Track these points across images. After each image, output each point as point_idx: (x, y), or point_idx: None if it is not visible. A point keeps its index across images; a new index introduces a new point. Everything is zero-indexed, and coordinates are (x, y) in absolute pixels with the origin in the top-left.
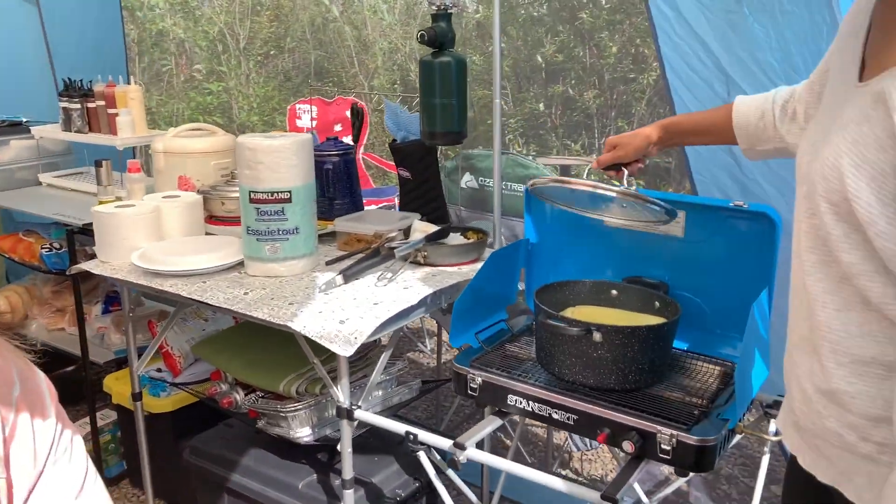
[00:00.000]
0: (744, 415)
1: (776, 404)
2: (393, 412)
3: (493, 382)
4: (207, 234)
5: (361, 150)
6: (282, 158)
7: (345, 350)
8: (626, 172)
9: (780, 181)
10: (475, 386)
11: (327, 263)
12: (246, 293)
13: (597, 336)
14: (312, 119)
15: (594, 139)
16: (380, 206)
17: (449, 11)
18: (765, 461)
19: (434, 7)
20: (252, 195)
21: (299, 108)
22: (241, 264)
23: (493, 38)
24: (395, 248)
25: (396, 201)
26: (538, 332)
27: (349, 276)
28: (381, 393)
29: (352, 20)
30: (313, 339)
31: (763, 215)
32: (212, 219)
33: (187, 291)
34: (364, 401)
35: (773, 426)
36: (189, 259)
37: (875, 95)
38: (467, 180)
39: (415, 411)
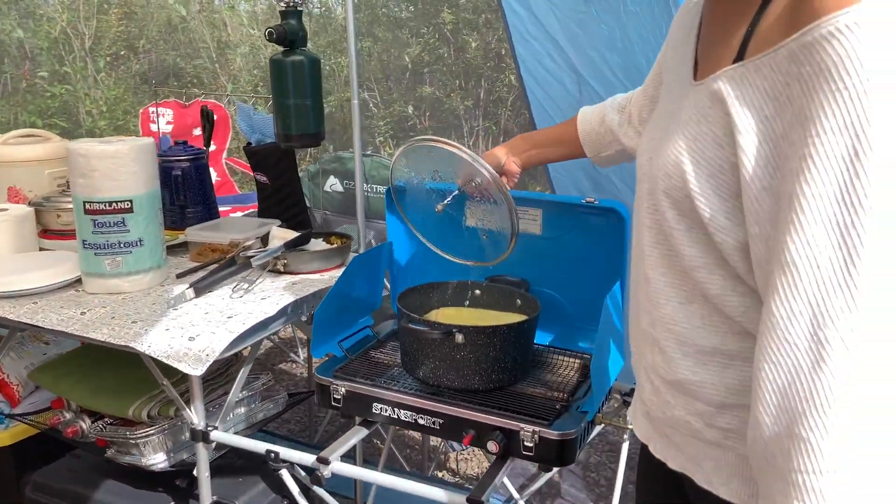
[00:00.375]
0: (602, 405)
1: (633, 392)
2: (260, 428)
3: (357, 392)
4: (42, 249)
5: (224, 154)
6: (120, 165)
7: (195, 369)
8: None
9: (631, 177)
10: (339, 396)
11: (178, 276)
12: (83, 313)
13: (459, 338)
14: (168, 123)
15: (463, 140)
16: (245, 213)
17: (299, 9)
18: (625, 448)
19: (282, 4)
20: (87, 206)
21: (154, 112)
22: (79, 281)
23: (347, 38)
24: (251, 256)
25: None
26: (401, 338)
27: (201, 288)
28: (243, 410)
29: (211, 20)
30: (159, 359)
31: (612, 210)
32: (46, 233)
33: (15, 314)
34: (222, 421)
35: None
36: (16, 278)
37: (711, 95)
38: (332, 184)
39: (288, 424)
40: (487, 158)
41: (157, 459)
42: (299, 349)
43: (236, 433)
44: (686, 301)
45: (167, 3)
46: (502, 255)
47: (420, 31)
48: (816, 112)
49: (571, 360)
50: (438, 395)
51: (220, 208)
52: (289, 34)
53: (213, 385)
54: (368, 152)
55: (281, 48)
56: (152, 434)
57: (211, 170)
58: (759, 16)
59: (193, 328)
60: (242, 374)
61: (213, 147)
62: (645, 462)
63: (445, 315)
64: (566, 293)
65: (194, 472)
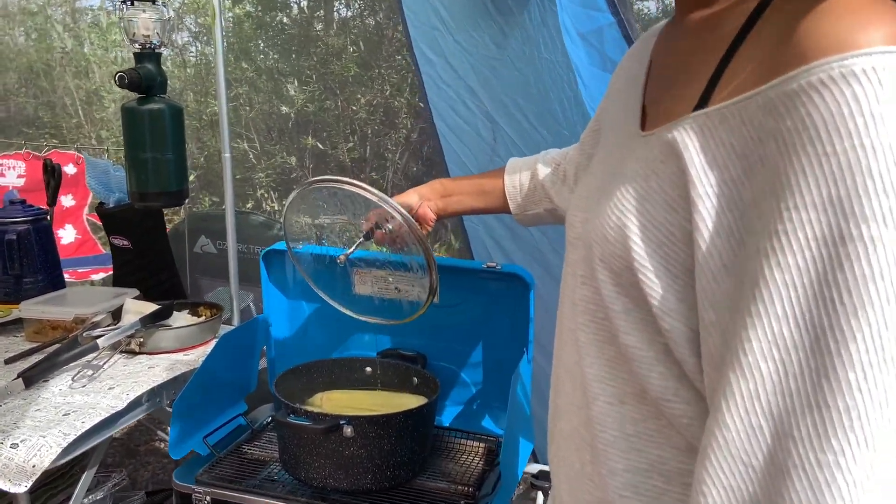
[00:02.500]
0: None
1: (542, 475)
2: None
3: (227, 500)
4: None
5: (86, 210)
6: None
7: (17, 485)
8: None
9: (550, 228)
10: None
11: (6, 362)
12: None
13: (348, 431)
14: (20, 176)
15: None
16: (108, 273)
17: (157, 51)
18: None
19: (137, 46)
20: None
21: (3, 164)
22: None
23: (217, 88)
24: (98, 336)
25: None
26: (279, 431)
27: (33, 378)
28: None
29: (77, 67)
30: None
31: (516, 277)
32: None
33: None
34: None
35: (539, 499)
36: None
37: (664, 147)
38: (203, 244)
39: None
40: (400, 198)
41: None
42: (167, 426)
43: None
44: (617, 400)
45: (28, 50)
46: (418, 311)
47: (306, 81)
48: (796, 179)
49: (474, 443)
50: (324, 498)
51: (80, 269)
52: (144, 79)
53: (51, 490)
54: (249, 206)
55: (136, 95)
56: None
57: (70, 227)
58: (730, 57)
59: (18, 431)
60: (86, 479)
61: (72, 202)
62: None
63: (332, 400)
64: (466, 368)
65: None
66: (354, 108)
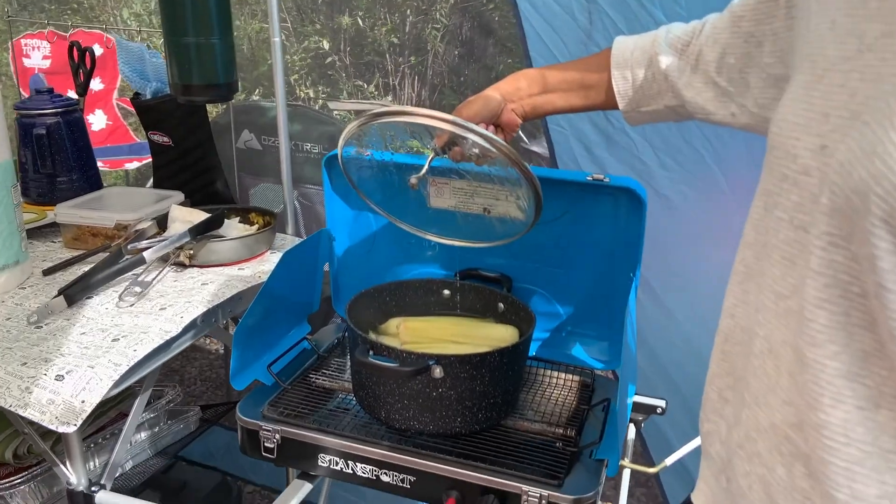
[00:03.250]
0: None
1: (635, 406)
2: (174, 455)
3: (297, 438)
4: None
5: (116, 93)
6: None
7: (66, 425)
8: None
9: (654, 132)
10: (272, 445)
11: (45, 273)
12: None
13: (437, 372)
14: (45, 58)
15: (388, 79)
16: (142, 163)
17: None
18: (625, 482)
19: None
20: None
21: (27, 44)
22: None
23: None
24: (144, 248)
25: None
26: (355, 367)
27: (75, 295)
28: (143, 436)
29: None
30: (12, 410)
31: (627, 191)
32: None
33: None
34: (113, 467)
35: (632, 431)
36: None
37: None
38: (246, 139)
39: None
40: (477, 104)
41: None
42: None
43: (137, 465)
44: (871, 405)
45: None
46: (520, 231)
47: None
48: None
49: (565, 376)
50: (404, 443)
51: (113, 158)
52: None
53: (101, 407)
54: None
55: None
56: (19, 483)
57: (100, 112)
58: None
59: (63, 360)
60: (139, 403)
61: (101, 86)
62: None
63: (411, 329)
64: (556, 292)
65: None
66: None
